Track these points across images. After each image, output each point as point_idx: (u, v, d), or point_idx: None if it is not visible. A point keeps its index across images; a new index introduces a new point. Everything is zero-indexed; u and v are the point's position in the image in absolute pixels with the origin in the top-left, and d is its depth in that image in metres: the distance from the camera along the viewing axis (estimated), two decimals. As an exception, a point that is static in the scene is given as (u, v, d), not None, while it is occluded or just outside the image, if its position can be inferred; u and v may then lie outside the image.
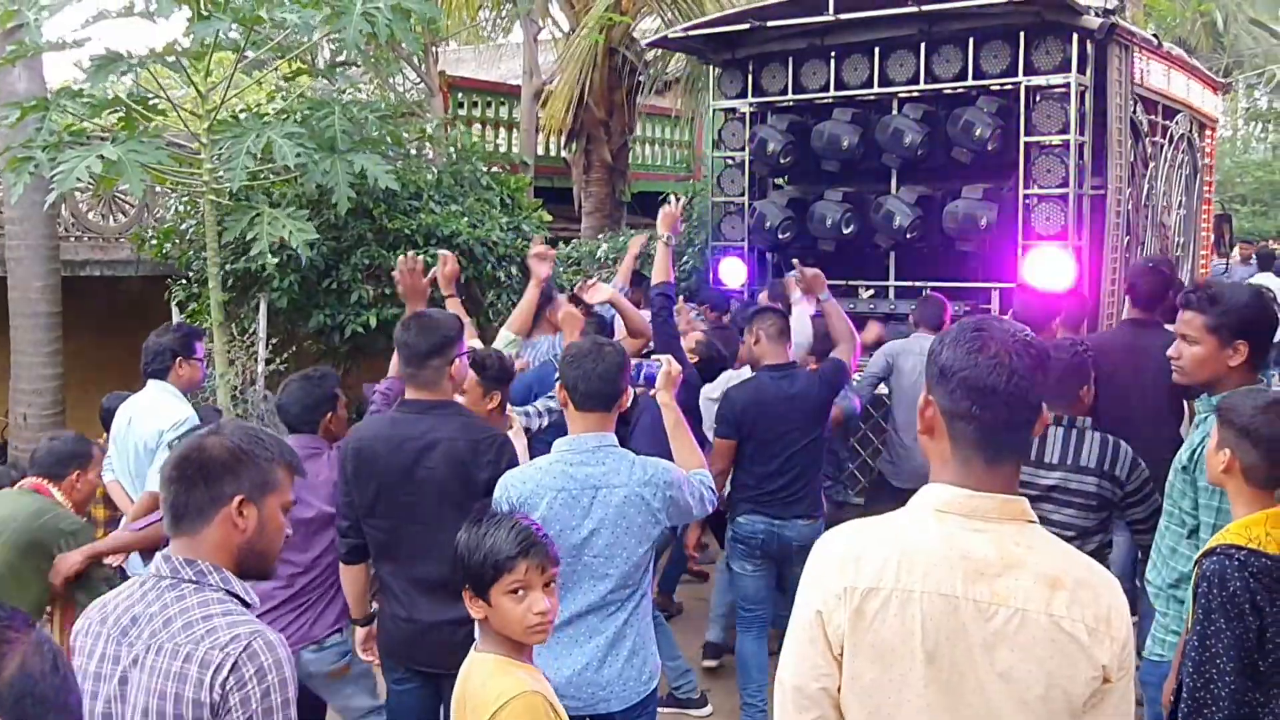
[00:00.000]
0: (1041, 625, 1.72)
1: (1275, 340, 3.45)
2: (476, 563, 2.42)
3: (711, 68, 8.34)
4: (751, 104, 7.91)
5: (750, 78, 7.90)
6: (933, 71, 7.14)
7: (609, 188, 12.27)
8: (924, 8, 6.89)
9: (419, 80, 9.74)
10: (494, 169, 8.57)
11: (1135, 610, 3.34)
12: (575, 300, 5.26)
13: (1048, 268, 6.51)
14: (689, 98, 12.58)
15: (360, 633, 3.74)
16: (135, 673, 1.96)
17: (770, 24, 7.52)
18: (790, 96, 7.75)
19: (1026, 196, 6.79)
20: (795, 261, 5.80)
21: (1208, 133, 9.36)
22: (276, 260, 5.90)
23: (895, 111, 7.33)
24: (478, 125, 13.54)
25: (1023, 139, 6.77)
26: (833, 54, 7.51)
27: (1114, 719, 1.76)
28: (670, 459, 3.29)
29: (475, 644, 2.54)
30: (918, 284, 7.35)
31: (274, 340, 6.99)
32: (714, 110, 8.23)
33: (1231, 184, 25.62)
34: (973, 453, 1.79)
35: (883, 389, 6.25)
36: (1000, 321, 1.87)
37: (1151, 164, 7.56)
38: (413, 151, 7.74)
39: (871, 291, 7.67)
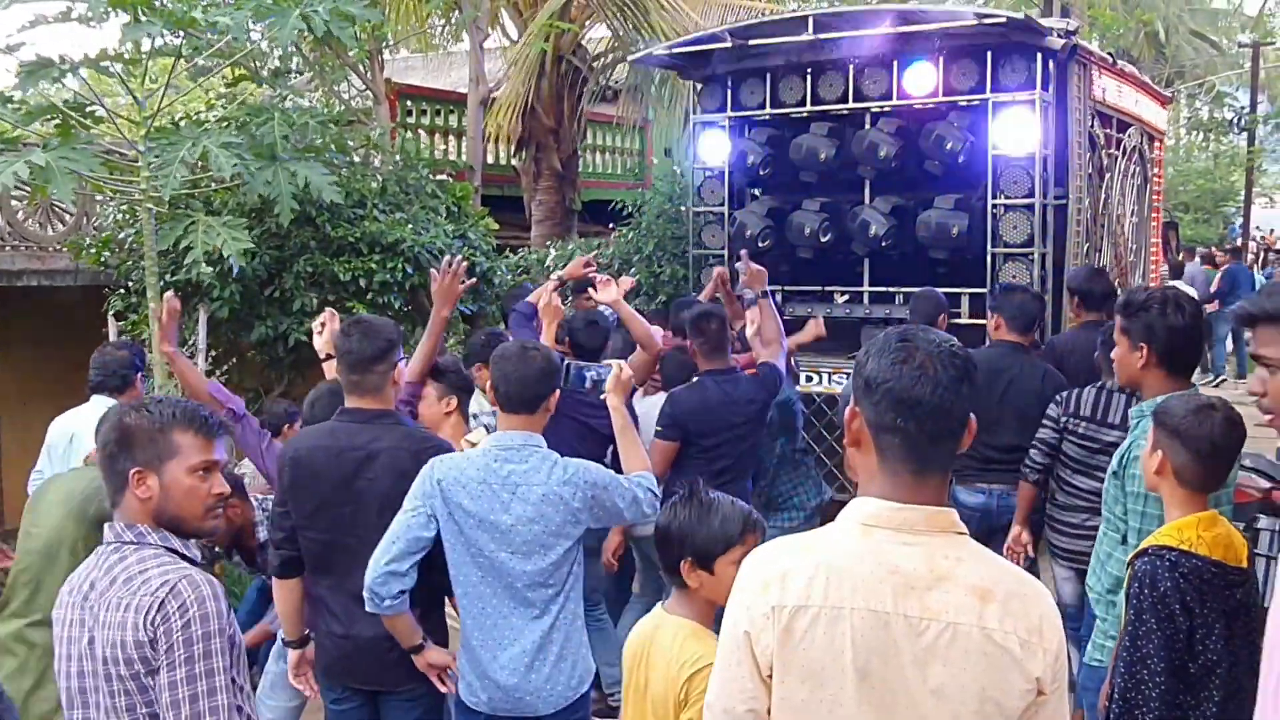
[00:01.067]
0: (974, 639, 1.69)
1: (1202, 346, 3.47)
2: (706, 537, 2.62)
3: (691, 83, 8.64)
4: (730, 118, 8.17)
5: (729, 93, 8.16)
6: (905, 88, 7.43)
7: (559, 196, 12.23)
8: (898, 29, 7.24)
9: (365, 88, 9.65)
10: (440, 176, 8.50)
11: None
12: (583, 291, 5.51)
13: (1015, 129, 7.00)
14: (638, 106, 12.58)
15: (293, 656, 3.54)
16: (99, 631, 2.17)
17: (752, 43, 7.81)
18: (768, 111, 8.01)
19: (994, 206, 7.14)
20: (743, 253, 5.95)
21: (1156, 144, 9.75)
22: (214, 270, 5.80)
23: (869, 126, 7.60)
24: (425, 132, 13.47)
25: (990, 152, 7.11)
26: (809, 71, 7.80)
27: None
28: (571, 452, 3.30)
29: (663, 605, 2.71)
30: (891, 289, 7.73)
31: (215, 352, 6.86)
32: (694, 123, 8.46)
33: (1174, 192, 26.09)
34: (900, 465, 1.76)
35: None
36: (926, 332, 1.84)
37: (1107, 175, 7.95)
38: (357, 159, 7.65)
39: (846, 296, 7.99)
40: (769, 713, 1.75)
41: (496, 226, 8.00)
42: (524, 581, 3.12)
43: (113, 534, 2.26)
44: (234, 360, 7.13)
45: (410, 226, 7.00)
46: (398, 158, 7.89)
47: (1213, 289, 14.84)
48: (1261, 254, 23.32)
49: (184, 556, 2.25)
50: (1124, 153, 8.42)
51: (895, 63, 7.44)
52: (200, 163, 5.27)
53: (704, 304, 5.47)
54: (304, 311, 6.64)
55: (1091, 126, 7.50)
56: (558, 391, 3.26)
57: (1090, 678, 3.24)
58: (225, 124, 5.96)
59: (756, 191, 8.50)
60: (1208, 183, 29.66)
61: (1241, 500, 5.46)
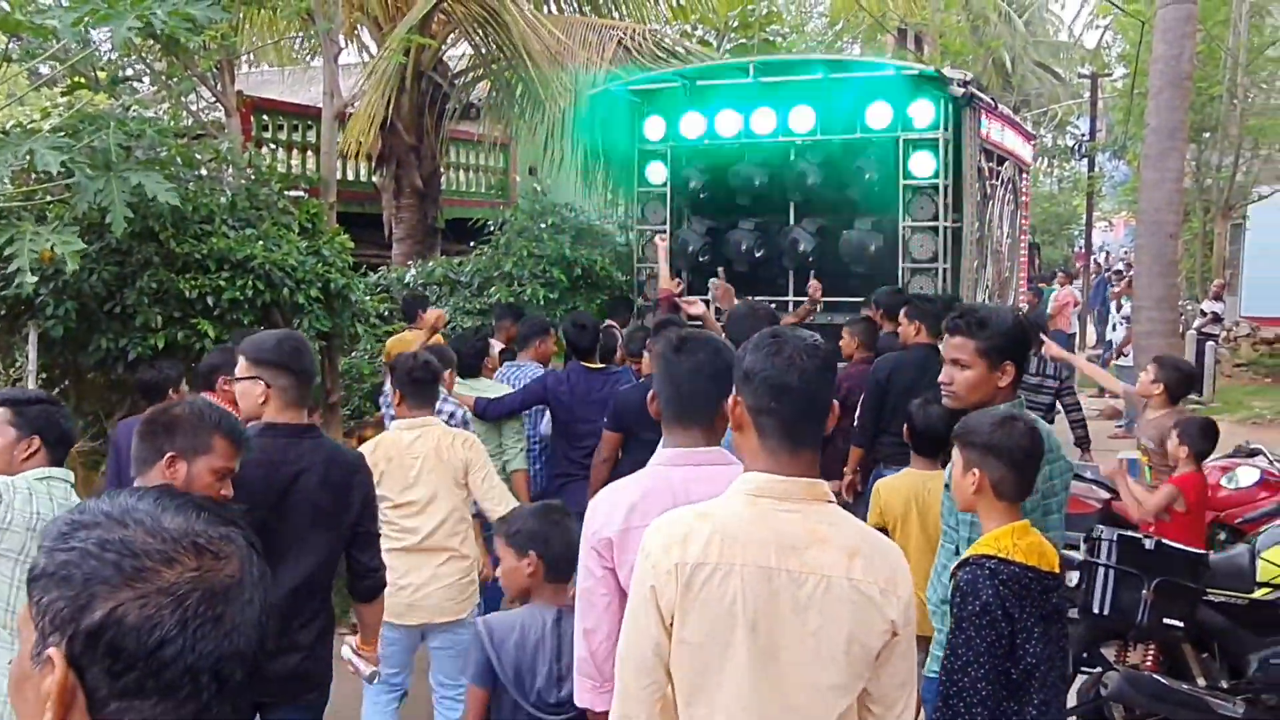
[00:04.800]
0: (844, 588, 1.99)
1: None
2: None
3: (634, 109, 9.66)
4: (672, 146, 9.32)
5: (671, 124, 9.29)
6: (828, 124, 8.66)
7: (421, 213, 12.02)
8: (827, 76, 8.63)
9: (215, 100, 9.32)
10: (295, 192, 8.25)
11: None
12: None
13: (922, 162, 8.36)
14: (500, 124, 12.47)
15: None
16: None
17: (699, 83, 9.12)
18: (706, 141, 9.15)
19: (904, 228, 8.49)
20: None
21: (1024, 175, 11.33)
22: (36, 279, 5.46)
23: (796, 157, 8.89)
24: (282, 148, 13.11)
25: (901, 181, 8.43)
26: (744, 107, 8.96)
27: (899, 667, 2.05)
28: None
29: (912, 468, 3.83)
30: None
31: (45, 375, 6.48)
32: (638, 150, 9.55)
33: (1021, 215, 27.07)
34: (777, 443, 2.06)
35: None
36: (794, 329, 2.16)
37: (990, 202, 9.30)
38: (205, 173, 7.35)
39: (774, 305, 8.98)
40: (670, 656, 2.03)
41: (352, 244, 7.79)
42: None
43: None
44: (66, 383, 6.75)
45: (261, 243, 6.76)
46: (249, 172, 7.62)
47: None
48: (1107, 275, 24.46)
49: None
50: (1002, 183, 9.81)
51: (820, 102, 8.63)
52: (30, 173, 4.99)
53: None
54: (147, 327, 6.34)
55: (980, 161, 8.73)
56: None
57: (929, 689, 3.28)
58: (59, 133, 5.65)
59: (687, 212, 9.62)
60: (1052, 206, 31.07)
61: (1081, 511, 5.69)
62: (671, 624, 2.02)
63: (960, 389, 3.25)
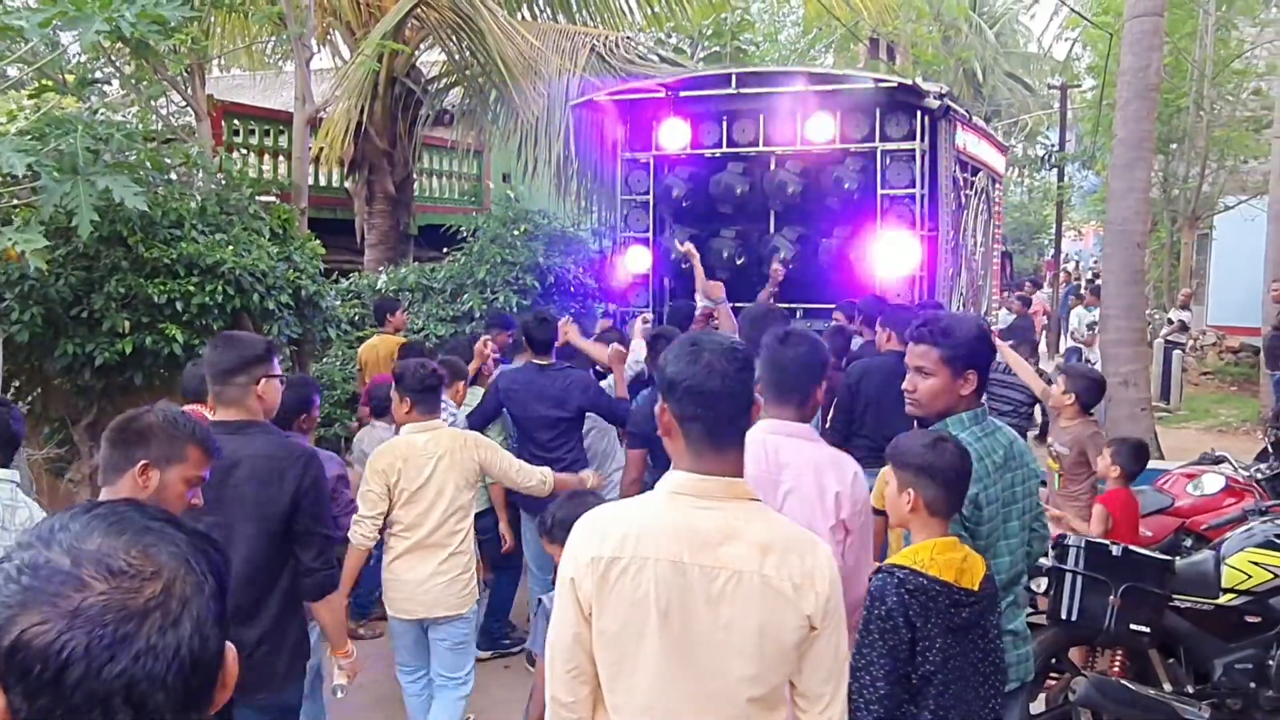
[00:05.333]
0: (755, 584, 2.06)
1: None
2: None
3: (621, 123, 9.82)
4: (655, 156, 9.51)
5: (654, 134, 9.44)
6: (807, 135, 8.84)
7: (393, 220, 11.98)
8: (807, 88, 8.82)
9: (185, 104, 9.26)
10: (267, 197, 8.19)
11: None
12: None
13: (899, 173, 8.59)
14: (473, 130, 12.45)
15: None
16: None
17: (682, 94, 9.25)
18: (688, 150, 9.36)
19: (881, 237, 8.53)
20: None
21: (997, 186, 11.54)
22: (14, 291, 5.42)
23: (776, 166, 9.08)
24: (254, 152, 13.04)
25: (879, 191, 8.59)
26: (725, 117, 9.19)
27: (822, 660, 2.10)
28: None
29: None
30: (793, 305, 8.96)
31: (15, 382, 6.41)
32: (621, 159, 9.69)
33: (992, 224, 27.25)
34: (702, 445, 2.13)
35: None
36: (710, 335, 2.23)
37: (964, 212, 9.51)
38: (175, 177, 7.29)
39: None
40: (591, 643, 2.12)
41: (323, 250, 7.75)
42: None
43: None
44: (36, 390, 6.68)
45: (231, 248, 6.71)
46: (219, 176, 7.57)
47: None
48: (1078, 283, 24.66)
49: None
50: (976, 193, 9.99)
51: (799, 114, 8.82)
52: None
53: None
54: (114, 332, 6.28)
55: (955, 172, 8.92)
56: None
57: None
58: (25, 136, 5.59)
59: (669, 221, 9.79)
60: (1023, 215, 31.33)
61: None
62: (590, 614, 2.11)
63: (923, 397, 3.25)
